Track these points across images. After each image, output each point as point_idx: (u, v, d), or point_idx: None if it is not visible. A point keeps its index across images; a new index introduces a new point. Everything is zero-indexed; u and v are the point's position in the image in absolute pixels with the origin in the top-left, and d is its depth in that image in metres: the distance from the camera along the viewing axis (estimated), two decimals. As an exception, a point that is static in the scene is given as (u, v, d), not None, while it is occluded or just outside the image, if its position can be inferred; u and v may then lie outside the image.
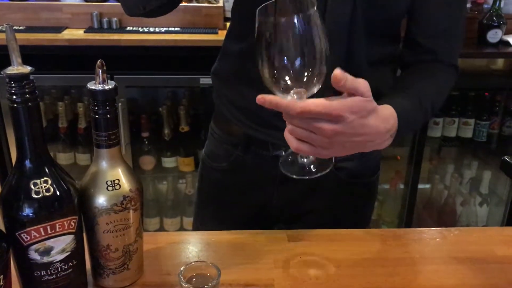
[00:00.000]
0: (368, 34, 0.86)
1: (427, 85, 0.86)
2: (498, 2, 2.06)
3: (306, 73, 0.63)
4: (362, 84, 0.65)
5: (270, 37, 0.62)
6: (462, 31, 0.92)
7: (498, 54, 2.15)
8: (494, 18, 2.06)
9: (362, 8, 0.83)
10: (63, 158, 2.16)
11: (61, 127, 2.12)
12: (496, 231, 0.92)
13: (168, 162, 2.24)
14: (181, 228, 2.33)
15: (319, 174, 0.72)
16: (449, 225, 2.41)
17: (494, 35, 2.08)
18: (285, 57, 0.62)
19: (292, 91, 0.65)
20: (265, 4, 0.64)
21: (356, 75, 0.88)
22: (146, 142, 2.20)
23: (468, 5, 2.17)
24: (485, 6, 2.17)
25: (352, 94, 0.65)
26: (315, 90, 0.66)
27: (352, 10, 0.83)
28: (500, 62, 2.36)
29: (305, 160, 0.73)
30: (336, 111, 0.63)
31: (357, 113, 0.65)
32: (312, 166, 0.73)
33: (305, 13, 0.61)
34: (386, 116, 0.70)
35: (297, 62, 0.62)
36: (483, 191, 2.45)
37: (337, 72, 0.62)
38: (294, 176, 0.73)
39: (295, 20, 0.61)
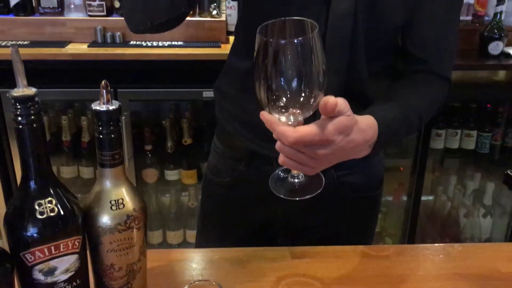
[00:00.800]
0: (368, 47, 0.87)
1: (414, 96, 0.86)
2: (499, 15, 2.07)
3: (302, 95, 0.64)
4: (343, 104, 0.67)
5: (268, 58, 0.62)
6: (455, 44, 0.92)
7: (500, 66, 2.16)
8: (495, 30, 2.07)
9: (363, 22, 0.84)
10: (66, 172, 2.17)
11: (64, 140, 2.12)
12: (500, 247, 0.92)
13: (171, 174, 2.24)
14: (184, 241, 2.33)
15: (307, 196, 0.73)
16: (453, 237, 2.41)
17: (495, 47, 2.08)
18: (282, 78, 0.63)
19: (287, 113, 0.65)
20: (265, 23, 0.64)
21: (357, 87, 0.89)
22: (149, 155, 2.20)
23: (469, 18, 2.18)
24: (486, 18, 2.18)
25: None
26: (311, 112, 0.66)
27: (353, 24, 0.84)
28: (501, 74, 2.37)
29: (296, 180, 0.74)
30: (327, 136, 0.66)
31: (343, 132, 0.68)
32: (301, 187, 0.73)
33: (306, 36, 0.62)
34: (364, 127, 0.72)
35: (294, 84, 0.63)
36: (487, 202, 2.44)
37: (330, 100, 0.64)
38: (282, 196, 0.74)
39: (295, 43, 0.61)
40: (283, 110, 0.66)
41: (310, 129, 0.65)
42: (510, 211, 2.40)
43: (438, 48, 0.90)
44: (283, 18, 0.65)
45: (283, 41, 0.62)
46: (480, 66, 2.11)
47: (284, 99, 0.64)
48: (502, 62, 2.08)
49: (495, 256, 0.87)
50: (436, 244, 0.90)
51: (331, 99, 0.64)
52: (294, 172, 0.74)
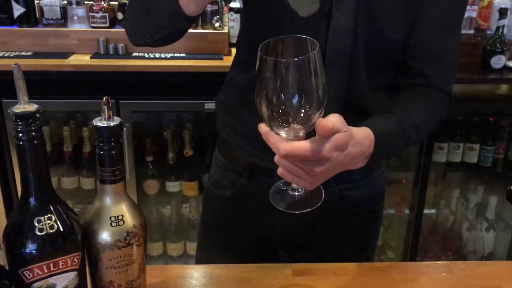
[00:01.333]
0: (368, 62, 0.87)
1: (412, 108, 0.86)
2: (501, 29, 2.07)
3: (302, 111, 0.64)
4: (339, 121, 0.67)
5: (269, 75, 0.63)
6: (455, 58, 0.92)
7: (502, 80, 2.16)
8: (498, 44, 2.07)
9: (363, 37, 0.84)
10: (67, 182, 2.16)
11: (66, 151, 2.12)
12: (503, 265, 0.91)
13: (172, 186, 2.23)
14: (185, 253, 2.32)
15: (307, 210, 0.73)
16: (455, 251, 2.39)
17: (497, 61, 2.08)
18: (283, 95, 0.63)
19: (287, 128, 0.65)
20: (267, 41, 0.65)
21: (357, 101, 0.89)
22: (151, 166, 2.20)
23: (472, 31, 2.18)
24: (488, 32, 2.19)
25: None
26: (311, 127, 0.66)
27: (353, 40, 0.84)
28: (504, 88, 2.37)
29: (296, 193, 0.74)
30: (323, 154, 0.66)
31: (340, 149, 0.68)
32: (301, 200, 0.74)
33: (307, 54, 0.62)
34: (360, 139, 0.73)
35: (295, 101, 0.63)
36: (490, 216, 2.43)
37: (327, 123, 0.65)
38: (281, 209, 0.75)
39: (296, 62, 0.62)
40: (284, 125, 0.66)
41: (303, 145, 0.66)
42: (513, 225, 2.38)
43: (438, 62, 0.90)
44: (283, 36, 0.66)
45: (283, 60, 0.62)
46: (482, 80, 2.11)
47: (284, 115, 0.64)
48: (504, 76, 2.08)
49: (498, 275, 0.86)
50: (438, 262, 0.89)
51: (327, 122, 0.65)
52: (294, 185, 0.74)
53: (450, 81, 0.92)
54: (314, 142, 0.66)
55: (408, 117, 0.83)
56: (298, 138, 0.68)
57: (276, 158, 0.70)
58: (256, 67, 0.64)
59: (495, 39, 2.08)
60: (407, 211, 2.34)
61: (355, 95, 0.89)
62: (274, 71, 0.62)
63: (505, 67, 2.09)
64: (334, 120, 0.67)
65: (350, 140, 0.70)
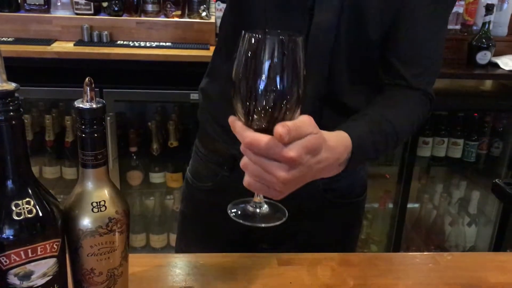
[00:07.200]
0: (350, 58, 0.85)
1: (394, 112, 0.83)
2: (487, 25, 2.08)
3: (278, 103, 0.60)
4: (308, 122, 0.62)
5: (251, 59, 0.60)
6: (439, 59, 0.90)
7: (487, 76, 2.18)
8: (483, 40, 2.08)
9: (345, 34, 0.83)
10: (49, 172, 2.13)
11: (48, 140, 2.09)
12: (489, 256, 0.91)
13: (156, 177, 2.21)
14: (168, 245, 2.30)
15: (271, 225, 0.69)
16: (438, 245, 2.41)
17: (483, 57, 2.10)
18: (262, 82, 0.59)
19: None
20: (249, 31, 0.61)
21: (337, 97, 0.87)
22: (134, 157, 2.17)
23: (458, 27, 2.19)
24: (475, 28, 2.20)
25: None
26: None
27: (335, 37, 0.82)
28: (488, 84, 2.39)
29: (258, 210, 0.69)
30: (292, 155, 0.60)
31: (311, 152, 0.63)
32: (264, 216, 0.69)
33: (295, 38, 0.59)
34: (334, 144, 0.68)
35: (274, 89, 0.59)
36: (472, 211, 2.45)
37: (279, 130, 0.59)
38: (241, 221, 0.70)
39: (281, 39, 0.59)
40: (257, 116, 0.62)
41: (270, 136, 0.60)
42: (495, 220, 2.41)
43: (421, 64, 0.87)
44: (265, 30, 0.62)
45: (269, 37, 0.59)
46: (467, 75, 2.13)
47: (260, 104, 0.61)
48: (490, 71, 2.10)
49: (484, 266, 0.86)
50: (425, 253, 0.89)
51: (280, 129, 0.59)
52: (257, 199, 0.70)
53: (432, 82, 0.90)
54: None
55: (388, 121, 0.80)
56: None
57: (243, 163, 0.64)
58: (238, 52, 0.61)
59: (481, 34, 2.09)
60: (390, 205, 2.35)
61: (334, 92, 0.87)
62: (258, 52, 0.59)
63: (490, 63, 2.11)
64: (306, 120, 0.62)
65: (323, 144, 0.65)
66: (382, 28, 0.84)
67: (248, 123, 0.63)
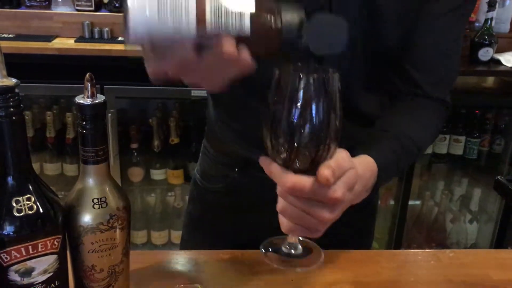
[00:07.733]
0: (365, 64, 0.84)
1: (413, 126, 0.82)
2: (489, 21, 2.07)
3: (320, 141, 0.58)
4: (346, 158, 0.61)
5: (289, 95, 0.58)
6: (456, 68, 0.89)
7: (489, 72, 2.17)
8: (486, 37, 2.08)
9: (362, 37, 0.81)
10: (50, 169, 2.13)
11: (48, 136, 2.08)
12: (491, 254, 0.91)
13: (157, 174, 2.21)
14: (169, 242, 2.30)
15: (306, 269, 0.68)
16: (439, 242, 2.41)
17: (485, 53, 2.09)
18: (307, 124, 0.57)
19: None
20: (284, 64, 0.60)
21: (351, 101, 0.86)
22: (135, 154, 2.17)
23: (460, 23, 2.18)
24: (477, 24, 2.19)
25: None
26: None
27: (353, 39, 0.81)
28: (490, 80, 2.38)
29: (293, 251, 0.68)
30: (337, 196, 0.59)
31: (351, 188, 0.62)
32: (300, 260, 0.68)
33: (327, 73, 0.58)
34: (361, 174, 0.66)
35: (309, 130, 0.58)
36: (473, 208, 2.45)
37: (325, 173, 0.57)
38: (276, 266, 0.69)
39: (319, 80, 0.57)
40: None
41: (312, 179, 0.58)
42: (496, 217, 2.41)
43: (438, 72, 0.86)
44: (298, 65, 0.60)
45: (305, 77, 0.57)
46: (469, 72, 2.12)
47: (301, 147, 0.59)
48: (492, 68, 2.09)
49: (486, 263, 0.86)
50: (427, 250, 0.89)
51: (325, 172, 0.57)
52: (292, 240, 0.68)
53: (447, 90, 0.89)
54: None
55: (408, 137, 0.79)
56: None
57: (280, 207, 0.62)
58: (272, 88, 0.59)
59: (483, 31, 2.08)
60: (392, 203, 2.35)
61: (348, 97, 0.86)
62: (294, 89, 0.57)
63: (492, 60, 2.10)
64: (344, 159, 0.60)
65: (357, 177, 0.63)
66: (399, 35, 0.82)
67: (287, 164, 0.61)
